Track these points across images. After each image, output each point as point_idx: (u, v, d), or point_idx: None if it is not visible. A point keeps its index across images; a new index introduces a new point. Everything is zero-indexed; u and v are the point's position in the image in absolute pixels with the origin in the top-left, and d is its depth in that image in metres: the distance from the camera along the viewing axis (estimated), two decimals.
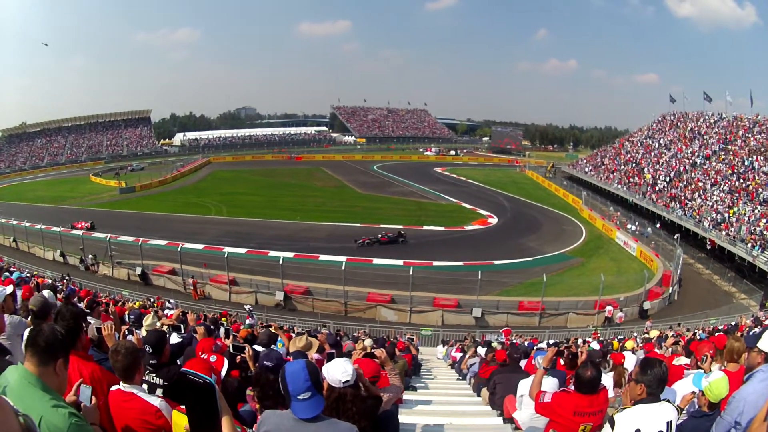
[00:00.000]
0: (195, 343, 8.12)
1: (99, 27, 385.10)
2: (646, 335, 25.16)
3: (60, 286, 22.96)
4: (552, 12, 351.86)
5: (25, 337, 3.73)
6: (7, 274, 17.64)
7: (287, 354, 8.85)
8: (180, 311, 13.73)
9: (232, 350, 7.01)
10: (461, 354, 21.21)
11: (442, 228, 55.25)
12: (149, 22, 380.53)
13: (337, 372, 4.38)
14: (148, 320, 9.82)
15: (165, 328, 9.27)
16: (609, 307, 35.51)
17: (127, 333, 8.66)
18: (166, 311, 22.53)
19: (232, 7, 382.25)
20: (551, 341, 25.42)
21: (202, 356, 5.71)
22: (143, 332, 9.09)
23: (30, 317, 6.84)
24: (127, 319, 12.45)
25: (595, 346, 18.96)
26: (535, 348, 17.84)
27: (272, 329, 13.64)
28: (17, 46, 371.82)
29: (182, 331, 9.18)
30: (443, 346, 27.81)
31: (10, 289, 8.20)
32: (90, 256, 45.59)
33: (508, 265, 43.13)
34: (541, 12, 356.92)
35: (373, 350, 7.58)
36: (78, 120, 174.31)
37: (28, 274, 28.56)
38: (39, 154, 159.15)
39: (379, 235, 47.27)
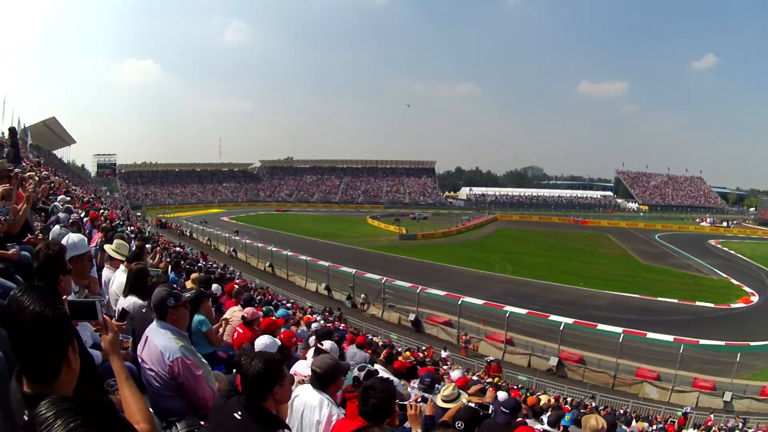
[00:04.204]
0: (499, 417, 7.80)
1: (376, 74, 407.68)
2: None
3: (322, 323, 22.50)
4: None
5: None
6: (270, 308, 16.48)
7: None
8: (479, 387, 12.75)
9: None
10: None
11: (712, 304, 52.06)
12: (428, 75, 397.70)
13: None
14: (447, 391, 8.93)
15: (472, 405, 8.19)
16: None
17: (419, 400, 7.63)
18: (444, 367, 21.98)
19: (513, 64, 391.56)
20: None
21: None
22: (438, 401, 8.43)
23: (313, 379, 5.97)
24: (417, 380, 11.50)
25: None
26: None
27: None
28: (288, 87, 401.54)
29: (488, 410, 8.48)
30: (694, 431, 26.36)
31: (275, 343, 7.63)
32: (362, 295, 46.25)
33: (763, 347, 39.91)
34: None
35: None
36: (355, 163, 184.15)
37: (290, 307, 28.04)
38: (308, 190, 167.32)
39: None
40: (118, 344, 3.74)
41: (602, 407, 26.83)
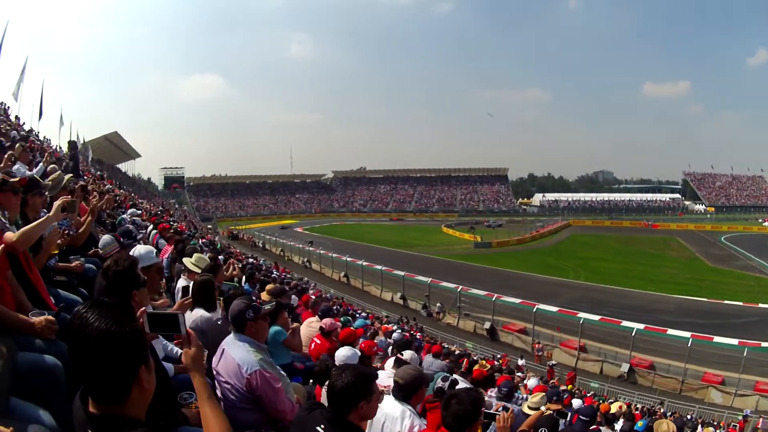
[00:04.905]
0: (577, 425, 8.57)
1: (444, 81, 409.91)
2: None
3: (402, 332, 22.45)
4: None
5: None
6: (348, 318, 16.61)
7: None
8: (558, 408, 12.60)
9: None
10: None
11: None
12: (495, 81, 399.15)
13: None
14: (536, 398, 9.02)
15: (550, 412, 8.46)
16: None
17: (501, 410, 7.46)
18: (519, 374, 21.85)
19: (578, 67, 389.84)
20: None
21: None
22: (525, 408, 8.86)
23: (395, 390, 5.95)
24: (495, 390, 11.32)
25: None
26: None
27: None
28: (356, 97, 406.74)
29: (566, 417, 8.64)
30: None
31: (356, 354, 7.61)
32: (438, 304, 46.15)
33: None
34: None
35: None
36: (428, 172, 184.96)
37: (366, 316, 28.01)
38: (382, 200, 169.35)
39: None
40: (202, 360, 3.60)
41: (670, 413, 26.92)
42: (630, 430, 11.41)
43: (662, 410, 27.14)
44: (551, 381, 26.32)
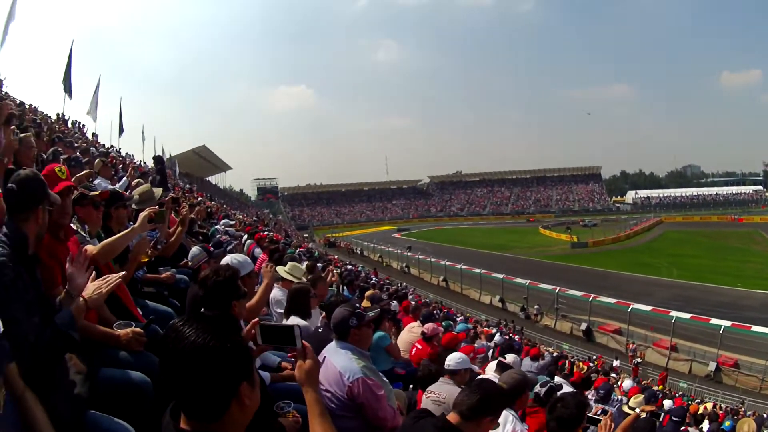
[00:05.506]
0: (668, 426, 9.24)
1: (529, 81, 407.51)
2: None
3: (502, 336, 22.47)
4: None
5: None
6: (449, 322, 16.73)
7: None
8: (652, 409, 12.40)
9: None
10: None
11: None
12: (581, 80, 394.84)
13: None
14: (638, 399, 9.56)
15: (644, 415, 8.73)
16: None
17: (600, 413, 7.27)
18: (613, 375, 21.56)
19: (660, 61, 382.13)
20: None
21: None
22: (625, 408, 9.34)
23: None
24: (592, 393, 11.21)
25: None
26: None
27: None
28: (445, 101, 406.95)
29: (659, 418, 9.32)
30: None
31: (467, 361, 7.13)
32: (536, 306, 45.90)
33: None
34: None
35: None
36: (523, 173, 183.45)
37: (465, 320, 28.76)
38: (479, 203, 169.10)
39: None
40: (317, 375, 3.35)
41: (750, 412, 26.35)
42: (717, 430, 11.53)
43: (743, 409, 27.22)
44: (643, 382, 27.19)
